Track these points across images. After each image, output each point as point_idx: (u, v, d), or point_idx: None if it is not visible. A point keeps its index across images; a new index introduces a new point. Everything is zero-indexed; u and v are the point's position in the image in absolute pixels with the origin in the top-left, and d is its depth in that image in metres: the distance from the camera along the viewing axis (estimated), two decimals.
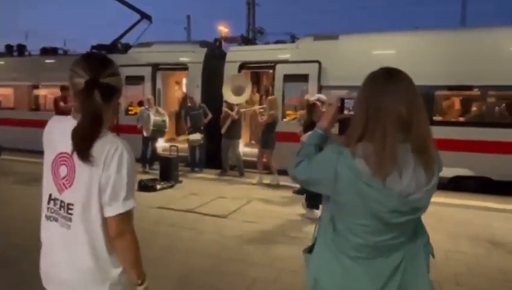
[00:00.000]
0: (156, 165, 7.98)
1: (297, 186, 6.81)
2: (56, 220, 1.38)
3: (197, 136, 8.14)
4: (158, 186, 6.72)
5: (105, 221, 1.35)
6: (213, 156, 8.94)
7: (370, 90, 1.30)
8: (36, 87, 11.84)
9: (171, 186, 6.95)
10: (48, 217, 1.41)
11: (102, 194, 1.32)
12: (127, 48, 10.90)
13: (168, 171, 7.13)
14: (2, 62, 12.50)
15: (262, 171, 7.78)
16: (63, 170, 1.35)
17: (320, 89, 8.26)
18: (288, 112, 8.82)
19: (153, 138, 8.39)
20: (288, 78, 8.72)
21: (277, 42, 9.86)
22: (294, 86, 8.84)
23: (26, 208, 4.63)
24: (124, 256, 1.40)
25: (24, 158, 8.65)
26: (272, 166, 7.59)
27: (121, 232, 1.35)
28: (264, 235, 4.62)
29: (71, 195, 1.34)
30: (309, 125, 5.46)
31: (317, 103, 5.75)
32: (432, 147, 1.26)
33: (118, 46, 11.23)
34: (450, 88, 7.67)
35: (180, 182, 7.31)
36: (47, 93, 11.86)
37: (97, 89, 1.31)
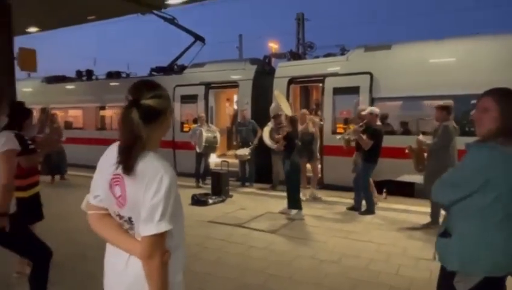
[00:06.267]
0: (209, 180, 8.21)
1: (351, 201, 6.62)
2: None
3: (244, 151, 8.25)
4: (210, 201, 6.89)
5: None
6: (264, 170, 9.00)
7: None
8: (103, 108, 12.89)
9: (222, 201, 7.09)
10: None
11: (141, 212, 1.36)
12: (182, 68, 11.51)
13: (219, 186, 7.29)
14: (73, 86, 13.83)
15: (316, 186, 7.70)
16: (117, 190, 1.43)
17: (372, 101, 8.01)
18: (338, 125, 8.63)
19: (205, 154, 8.66)
20: (338, 91, 8.58)
21: (327, 55, 9.79)
22: (345, 98, 8.66)
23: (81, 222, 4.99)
24: (149, 279, 1.36)
25: (90, 174, 9.37)
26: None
27: (150, 254, 1.34)
28: (313, 252, 4.51)
29: (128, 210, 1.42)
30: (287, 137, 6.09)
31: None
32: None
33: (174, 68, 11.89)
34: None
35: (231, 196, 7.44)
36: (112, 113, 12.83)
37: (136, 109, 1.37)
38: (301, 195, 7.29)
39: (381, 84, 8.02)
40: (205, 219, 5.92)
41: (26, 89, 13.68)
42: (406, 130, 7.96)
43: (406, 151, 5.57)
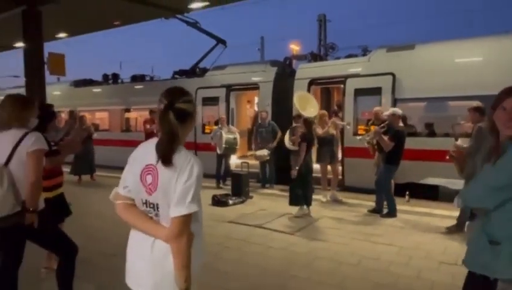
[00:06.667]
0: (229, 181, 8.29)
1: (372, 204, 6.53)
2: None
3: (263, 152, 8.28)
4: (230, 202, 6.97)
5: None
6: (285, 172, 8.98)
7: None
8: (128, 110, 13.23)
9: (243, 202, 7.14)
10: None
11: (173, 197, 1.56)
12: (204, 71, 11.68)
13: (240, 187, 7.36)
14: (100, 89, 14.28)
15: (336, 188, 7.63)
16: (149, 178, 1.62)
17: (394, 102, 7.88)
18: (360, 127, 8.52)
19: (225, 155, 8.75)
20: (359, 92, 8.49)
21: (348, 56, 9.71)
22: (366, 100, 8.55)
23: (114, 220, 5.15)
24: (177, 256, 1.56)
25: (118, 174, 9.65)
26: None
27: (180, 233, 1.55)
28: (332, 254, 4.48)
29: (156, 197, 1.61)
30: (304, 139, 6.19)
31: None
32: None
33: (196, 71, 12.09)
34: None
35: (251, 197, 7.48)
36: (137, 115, 13.15)
37: (172, 111, 1.60)
38: (321, 197, 7.30)
39: (405, 85, 7.89)
40: (225, 219, 5.99)
41: (55, 92, 14.24)
42: (430, 132, 7.79)
43: (447, 157, 5.39)
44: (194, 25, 12.28)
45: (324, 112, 7.84)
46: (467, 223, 1.93)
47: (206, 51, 12.40)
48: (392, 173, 6.10)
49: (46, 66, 10.08)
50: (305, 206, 6.18)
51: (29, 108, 2.84)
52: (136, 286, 1.69)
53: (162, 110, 1.61)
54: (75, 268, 2.99)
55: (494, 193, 1.62)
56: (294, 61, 11.90)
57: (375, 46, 9.04)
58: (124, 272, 1.74)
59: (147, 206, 1.65)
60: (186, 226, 1.56)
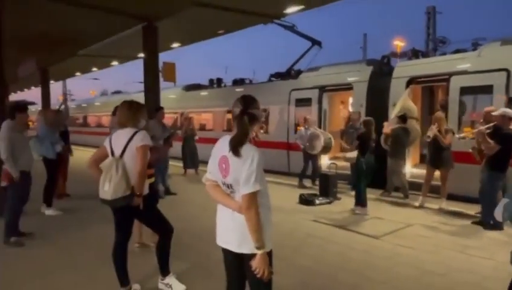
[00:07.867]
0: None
1: (474, 215, 5.93)
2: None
3: (353, 154, 8.10)
4: (317, 201, 7.07)
5: None
6: (378, 175, 8.64)
7: None
8: (229, 112, 14.23)
9: (330, 203, 7.17)
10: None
11: (241, 179, 2.03)
12: (298, 73, 11.93)
13: (327, 187, 7.39)
14: (206, 93, 15.70)
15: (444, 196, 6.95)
16: (223, 166, 2.12)
17: (509, 101, 6.95)
18: (465, 130, 7.72)
19: (315, 155, 8.84)
20: (466, 90, 7.70)
21: (455, 52, 8.86)
22: (474, 99, 7.71)
23: (204, 209, 5.74)
24: (249, 223, 2.02)
25: None
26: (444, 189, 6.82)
27: (249, 206, 2.01)
28: (417, 261, 4.28)
29: (229, 179, 2.10)
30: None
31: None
32: None
33: (291, 73, 12.41)
34: None
35: (339, 199, 7.45)
36: None
37: (246, 115, 2.06)
38: (415, 202, 6.84)
39: None
40: (310, 217, 6.14)
41: (171, 96, 16.16)
42: None
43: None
44: (291, 28, 12.61)
45: (439, 114, 7.02)
46: None
47: (301, 53, 12.63)
48: (496, 180, 5.43)
49: (160, 74, 11.60)
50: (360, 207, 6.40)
51: (140, 111, 3.48)
52: (225, 244, 2.22)
53: (239, 114, 2.08)
54: (171, 245, 3.54)
55: None
56: (397, 59, 11.31)
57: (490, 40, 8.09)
58: (210, 253, 2.19)
59: (224, 186, 2.16)
60: (253, 200, 2.01)
